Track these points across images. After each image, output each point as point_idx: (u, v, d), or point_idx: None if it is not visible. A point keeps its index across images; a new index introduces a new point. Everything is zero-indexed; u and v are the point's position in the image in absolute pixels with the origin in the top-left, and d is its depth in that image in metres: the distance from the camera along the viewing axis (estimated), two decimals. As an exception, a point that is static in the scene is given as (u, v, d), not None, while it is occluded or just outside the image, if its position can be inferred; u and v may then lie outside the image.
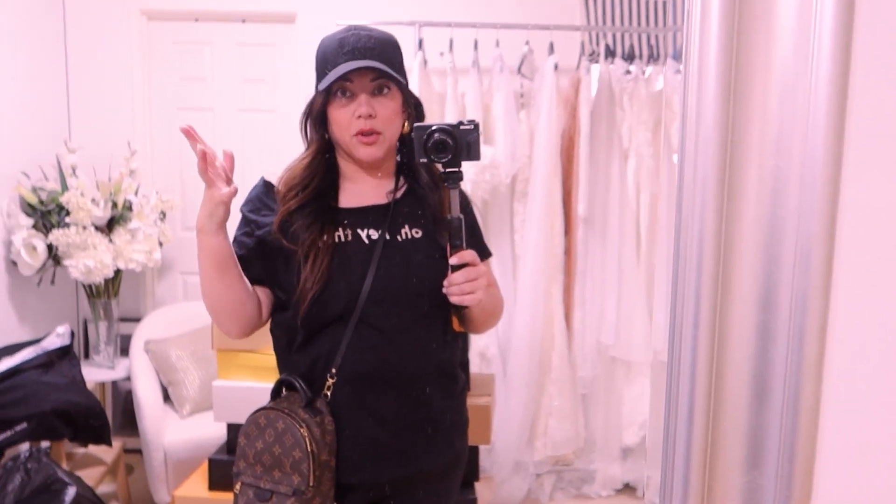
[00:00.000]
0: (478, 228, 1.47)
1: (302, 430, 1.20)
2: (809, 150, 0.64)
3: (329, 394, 1.27)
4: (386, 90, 1.29)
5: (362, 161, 1.31)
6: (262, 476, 1.24)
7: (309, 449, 1.20)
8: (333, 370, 1.26)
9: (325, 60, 1.27)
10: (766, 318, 0.62)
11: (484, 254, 1.45)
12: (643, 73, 2.94)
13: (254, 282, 1.33)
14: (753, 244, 0.60)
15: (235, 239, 1.34)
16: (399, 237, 1.32)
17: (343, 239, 1.29)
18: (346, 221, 1.31)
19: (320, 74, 1.28)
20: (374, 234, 1.30)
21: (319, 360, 1.28)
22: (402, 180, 1.38)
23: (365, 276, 1.26)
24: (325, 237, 1.27)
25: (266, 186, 1.36)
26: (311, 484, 1.20)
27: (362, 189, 1.35)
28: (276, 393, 1.34)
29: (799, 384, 0.59)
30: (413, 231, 1.33)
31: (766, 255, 0.60)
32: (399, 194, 1.36)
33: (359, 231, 1.30)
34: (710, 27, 0.61)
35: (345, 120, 1.27)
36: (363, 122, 1.26)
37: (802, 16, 0.62)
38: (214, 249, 1.24)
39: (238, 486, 1.26)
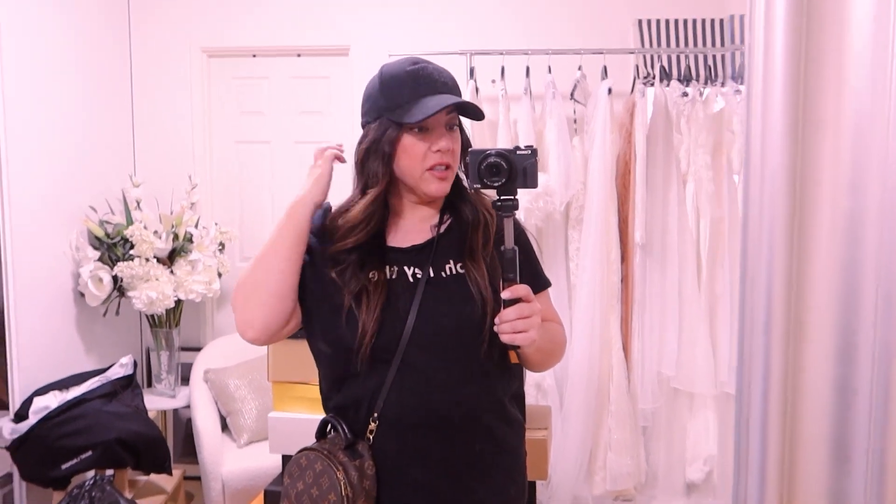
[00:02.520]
0: (534, 257, 1.41)
1: (338, 474, 1.18)
2: (889, 187, 0.59)
3: (371, 437, 1.24)
4: (455, 126, 1.29)
5: (431, 196, 1.29)
6: None
7: (343, 493, 1.17)
8: (376, 414, 1.24)
9: (400, 93, 1.24)
10: (844, 372, 0.57)
11: (542, 284, 1.40)
12: (700, 94, 2.87)
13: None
14: (828, 289, 0.55)
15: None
16: (443, 273, 1.29)
17: (389, 277, 1.28)
18: (392, 259, 1.29)
19: (391, 107, 1.25)
20: (419, 273, 1.28)
21: (362, 403, 1.26)
22: (446, 216, 1.35)
23: (407, 316, 1.24)
24: (377, 277, 1.25)
25: (326, 218, 1.34)
26: None
27: (407, 225, 1.33)
28: (321, 431, 1.33)
29: (885, 448, 0.54)
30: (457, 266, 1.30)
31: (843, 303, 0.56)
32: (443, 228, 1.33)
33: (405, 268, 1.28)
34: (774, 45, 0.57)
35: (420, 153, 1.25)
36: (440, 156, 1.25)
37: (879, 37, 0.57)
38: (301, 222, 1.26)
39: None
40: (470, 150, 1.22)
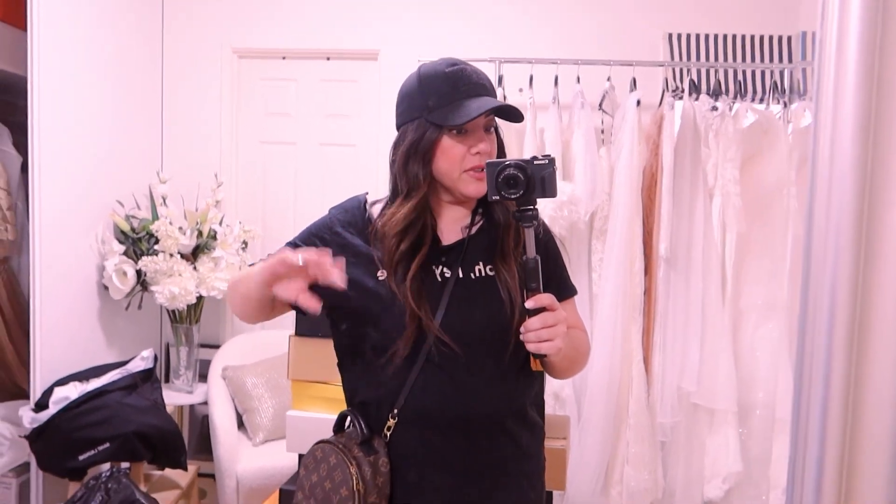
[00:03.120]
0: (562, 263, 1.41)
1: (351, 469, 1.18)
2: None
3: (388, 434, 1.24)
4: (492, 128, 1.29)
5: (469, 196, 1.29)
6: None
7: (355, 488, 1.17)
8: (395, 410, 1.24)
9: (439, 95, 1.24)
10: None
11: (568, 291, 1.40)
12: (730, 109, 2.85)
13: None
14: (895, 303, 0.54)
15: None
16: (472, 275, 1.28)
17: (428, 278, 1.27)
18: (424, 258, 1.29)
19: (430, 108, 1.24)
20: (448, 273, 1.28)
21: (385, 400, 1.25)
22: (477, 216, 1.35)
23: (435, 315, 1.23)
24: (421, 276, 1.25)
25: (364, 213, 1.34)
26: None
27: (440, 225, 1.33)
28: (339, 425, 1.32)
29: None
30: (487, 268, 1.29)
31: None
32: (474, 230, 1.33)
33: (433, 268, 1.28)
34: (846, 60, 0.57)
35: (459, 155, 1.25)
36: (479, 158, 1.25)
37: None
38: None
39: None
40: (487, 161, 1.22)
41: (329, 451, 1.23)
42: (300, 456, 2.35)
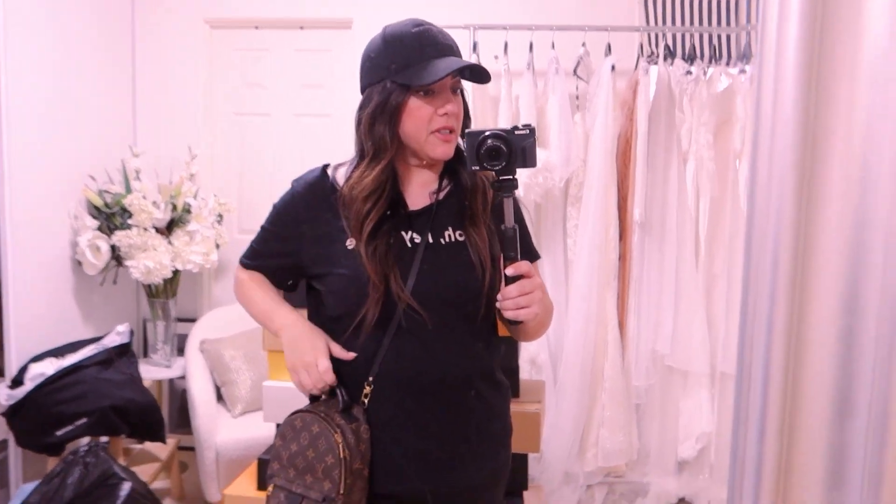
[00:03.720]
0: (526, 229, 1.42)
1: (336, 436, 1.18)
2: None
3: (366, 401, 1.24)
4: (459, 89, 1.28)
5: (435, 159, 1.27)
6: (295, 480, 1.21)
7: (342, 455, 1.17)
8: (371, 378, 1.24)
9: (405, 55, 1.22)
10: (850, 322, 0.56)
11: (531, 256, 1.40)
12: (704, 73, 2.85)
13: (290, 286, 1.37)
14: (837, 239, 0.54)
15: (279, 234, 1.34)
16: (442, 240, 1.28)
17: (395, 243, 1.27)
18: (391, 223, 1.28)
19: (396, 69, 1.22)
20: (417, 238, 1.27)
21: (359, 366, 1.25)
22: (445, 180, 1.34)
23: (406, 281, 1.23)
24: (389, 241, 1.24)
25: (326, 182, 1.32)
26: (341, 491, 1.17)
27: (407, 189, 1.31)
28: (314, 395, 1.33)
29: (888, 395, 0.53)
30: (456, 234, 1.29)
31: (852, 252, 0.55)
32: (442, 195, 1.32)
33: (402, 233, 1.27)
34: (788, 22, 0.56)
35: (426, 116, 1.23)
36: (446, 119, 1.24)
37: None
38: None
39: (271, 488, 1.24)
40: (467, 131, 1.21)
41: (311, 420, 1.22)
42: (278, 426, 2.36)
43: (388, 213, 1.26)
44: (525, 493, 2.27)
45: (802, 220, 0.61)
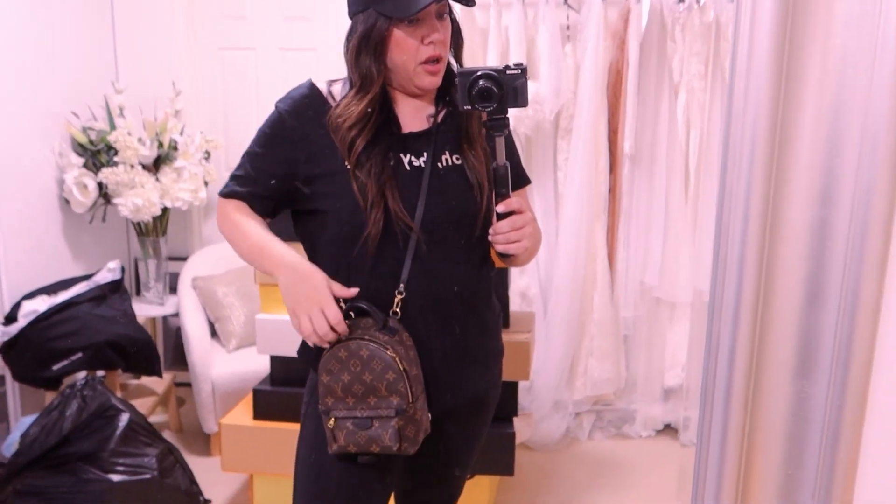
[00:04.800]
0: (516, 152, 1.43)
1: (389, 353, 1.19)
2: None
3: (399, 311, 1.25)
4: (445, 14, 1.25)
5: (424, 90, 1.27)
6: (356, 406, 1.21)
7: (401, 368, 1.18)
8: (402, 285, 1.24)
9: None
10: (824, 214, 0.57)
11: (522, 181, 1.42)
12: (697, 2, 2.79)
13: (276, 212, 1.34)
14: (813, 130, 0.55)
15: (267, 155, 1.29)
16: (440, 164, 1.28)
17: (392, 164, 1.26)
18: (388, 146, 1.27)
19: None
20: (416, 161, 1.27)
21: (382, 283, 1.25)
22: (441, 104, 1.33)
23: (416, 205, 1.23)
24: (383, 160, 1.24)
25: (316, 97, 1.29)
26: (410, 401, 1.19)
27: (402, 114, 1.30)
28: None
29: (858, 283, 0.55)
30: (454, 158, 1.30)
31: (827, 144, 0.55)
32: (440, 118, 1.31)
33: (401, 156, 1.27)
34: None
35: (412, 47, 1.21)
36: (433, 48, 1.22)
37: None
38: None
39: (332, 422, 1.22)
40: (458, 70, 1.20)
41: (356, 347, 1.20)
42: (272, 358, 2.40)
43: (379, 135, 1.25)
44: (515, 419, 2.33)
45: (780, 104, 0.61)
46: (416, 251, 1.24)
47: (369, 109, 1.24)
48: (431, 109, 1.32)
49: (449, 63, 1.30)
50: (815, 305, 0.59)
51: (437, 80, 1.26)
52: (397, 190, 1.23)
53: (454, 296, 1.28)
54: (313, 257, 1.33)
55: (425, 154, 1.27)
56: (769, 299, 0.60)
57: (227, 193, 1.33)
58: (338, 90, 1.30)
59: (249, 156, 1.32)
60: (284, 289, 1.23)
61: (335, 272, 1.27)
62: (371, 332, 1.21)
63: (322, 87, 1.31)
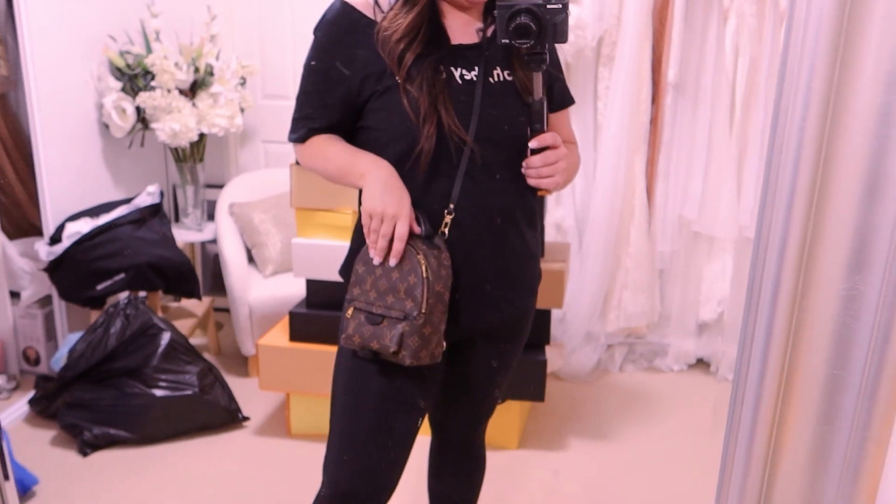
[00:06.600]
0: (561, 70, 1.39)
1: (419, 257, 1.19)
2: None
3: (447, 231, 1.24)
4: None
5: (472, 2, 1.24)
6: (376, 301, 1.22)
7: (424, 275, 1.17)
8: (451, 206, 1.24)
9: None
10: (875, 164, 0.53)
11: (566, 101, 1.41)
12: (753, -80, 2.64)
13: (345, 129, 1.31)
14: (875, 64, 0.51)
15: (327, 74, 1.25)
16: (492, 79, 1.26)
17: (444, 77, 1.23)
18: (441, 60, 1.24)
19: None
20: (467, 75, 1.24)
21: (434, 199, 1.25)
22: (489, 19, 1.29)
23: (469, 119, 1.21)
24: (434, 73, 1.21)
25: (353, 14, 1.25)
26: (422, 310, 1.18)
27: (450, 27, 1.27)
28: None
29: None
30: (505, 73, 1.27)
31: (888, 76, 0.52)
32: (489, 33, 1.28)
33: (452, 69, 1.24)
34: None
35: None
36: None
37: None
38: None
39: (350, 311, 1.24)
40: (498, 3, 1.16)
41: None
42: (308, 282, 2.43)
43: (428, 48, 1.22)
44: (547, 348, 2.35)
45: (837, 69, 0.57)
46: (468, 168, 1.23)
47: (417, 21, 1.21)
48: (479, 24, 1.29)
49: None
50: (873, 197, 0.57)
51: None
52: (451, 103, 1.21)
53: (503, 214, 1.28)
54: None
55: (476, 68, 1.25)
56: (826, 188, 0.58)
57: (297, 139, 1.32)
58: (385, 2, 1.27)
59: (309, 93, 1.29)
60: (373, 187, 1.21)
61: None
62: (413, 239, 1.21)
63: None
